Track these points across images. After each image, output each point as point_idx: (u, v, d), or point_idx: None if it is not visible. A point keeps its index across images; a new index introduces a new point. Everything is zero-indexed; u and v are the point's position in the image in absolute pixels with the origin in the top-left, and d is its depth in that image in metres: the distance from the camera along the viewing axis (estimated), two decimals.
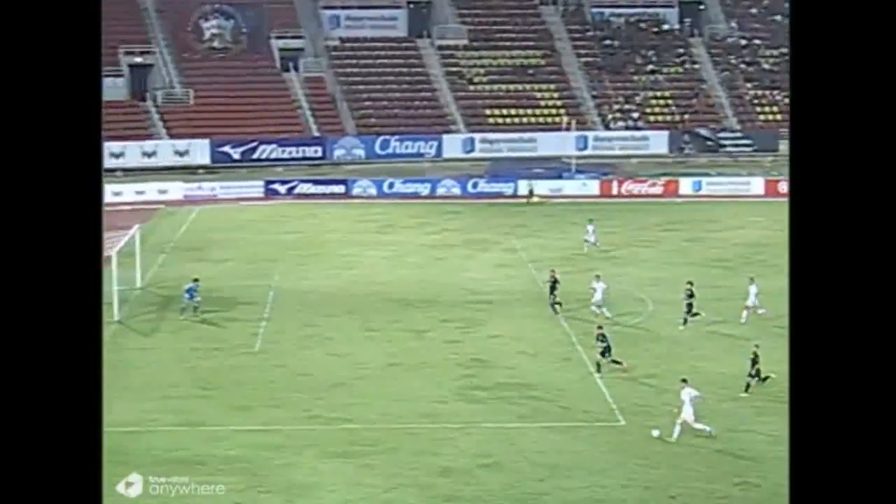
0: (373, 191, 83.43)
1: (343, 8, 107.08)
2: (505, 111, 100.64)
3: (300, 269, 60.98)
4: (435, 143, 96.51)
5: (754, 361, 41.40)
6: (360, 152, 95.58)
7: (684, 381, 38.47)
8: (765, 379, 41.12)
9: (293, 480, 34.20)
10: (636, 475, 34.74)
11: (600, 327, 45.11)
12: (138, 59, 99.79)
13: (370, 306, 53.60)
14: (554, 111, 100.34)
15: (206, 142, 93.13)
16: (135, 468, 34.58)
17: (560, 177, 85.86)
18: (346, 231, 71.45)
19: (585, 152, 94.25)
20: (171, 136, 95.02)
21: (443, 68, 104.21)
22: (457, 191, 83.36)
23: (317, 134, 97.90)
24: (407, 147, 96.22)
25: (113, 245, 53.58)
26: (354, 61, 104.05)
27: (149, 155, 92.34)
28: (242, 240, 68.59)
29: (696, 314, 50.03)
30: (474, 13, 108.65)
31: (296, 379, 43.52)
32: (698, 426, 37.25)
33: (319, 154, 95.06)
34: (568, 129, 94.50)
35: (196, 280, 52.80)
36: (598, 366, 43.58)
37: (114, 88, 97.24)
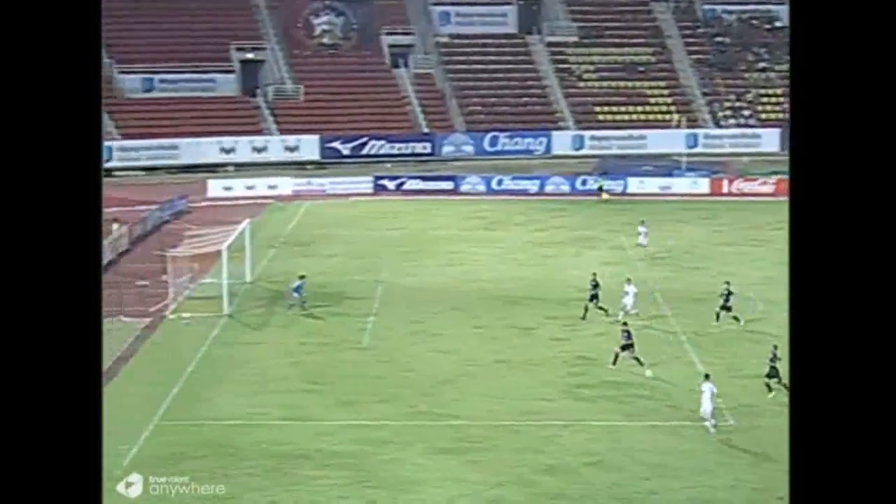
0: (481, 187, 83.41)
1: (453, 4, 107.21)
2: (615, 108, 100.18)
3: (408, 266, 61.14)
4: (544, 140, 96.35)
5: (773, 360, 40.70)
6: (469, 149, 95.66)
7: (707, 376, 38.61)
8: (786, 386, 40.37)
9: (399, 476, 34.28)
10: (744, 476, 34.42)
11: (625, 323, 45.49)
12: (249, 55, 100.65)
13: (477, 303, 53.61)
14: (664, 108, 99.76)
15: (315, 137, 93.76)
16: (242, 461, 34.95)
17: (670, 174, 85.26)
18: (454, 228, 71.51)
19: (695, 150, 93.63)
20: (282, 132, 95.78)
21: (552, 65, 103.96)
22: (565, 188, 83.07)
23: (426, 130, 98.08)
24: (516, 144, 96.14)
25: (223, 239, 54.15)
26: (464, 58, 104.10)
27: (259, 150, 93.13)
28: (351, 235, 68.91)
29: (735, 317, 49.63)
30: (585, 10, 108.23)
31: (402, 375, 43.64)
32: (708, 423, 37.47)
33: (428, 150, 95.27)
34: (678, 127, 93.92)
35: (303, 277, 53.16)
36: (616, 357, 43.73)
37: (225, 84, 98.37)
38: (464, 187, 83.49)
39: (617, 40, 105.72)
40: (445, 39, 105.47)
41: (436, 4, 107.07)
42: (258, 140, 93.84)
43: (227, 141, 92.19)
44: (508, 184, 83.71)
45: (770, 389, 40.73)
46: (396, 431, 37.80)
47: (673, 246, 64.29)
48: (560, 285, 56.47)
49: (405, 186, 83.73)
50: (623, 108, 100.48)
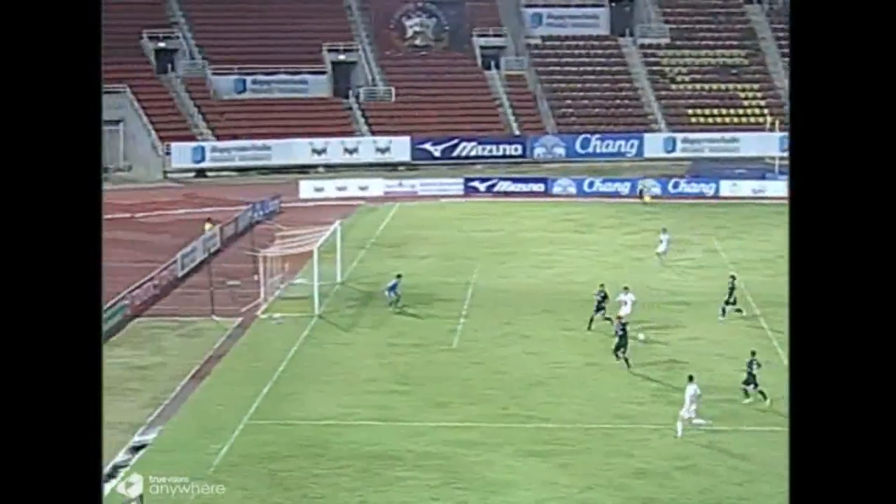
0: (572, 189, 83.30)
1: (545, 6, 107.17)
2: (707, 111, 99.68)
3: (498, 267, 61.20)
4: (636, 143, 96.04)
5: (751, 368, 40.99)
6: (561, 151, 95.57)
7: (690, 378, 38.60)
8: (762, 394, 40.47)
9: (488, 478, 34.35)
10: None
11: (620, 317, 46.23)
12: (341, 57, 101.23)
13: (568, 305, 53.55)
14: (757, 111, 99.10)
15: (406, 139, 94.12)
16: (332, 461, 35.18)
17: (763, 178, 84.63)
18: (545, 230, 71.47)
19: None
20: (373, 133, 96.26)
21: (645, 67, 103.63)
22: (657, 191, 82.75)
23: (517, 132, 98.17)
24: (607, 146, 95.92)
25: (314, 240, 54.53)
26: (556, 59, 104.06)
27: (350, 152, 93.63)
28: (441, 237, 69.11)
29: (738, 309, 51.05)
30: (677, 11, 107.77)
31: (493, 376, 43.70)
32: (696, 421, 37.61)
33: (519, 152, 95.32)
34: (772, 130, 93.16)
35: (399, 276, 53.48)
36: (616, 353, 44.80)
37: (316, 85, 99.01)
38: (555, 189, 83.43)
39: (709, 42, 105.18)
40: (537, 41, 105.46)
41: (528, 6, 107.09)
42: (349, 141, 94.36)
43: (319, 142, 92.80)
44: (600, 186, 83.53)
45: (747, 395, 40.90)
46: (486, 433, 37.88)
47: (765, 248, 63.87)
48: (651, 288, 56.24)
49: (496, 188, 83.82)
50: (715, 111, 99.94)
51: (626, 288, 50.68)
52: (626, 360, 44.16)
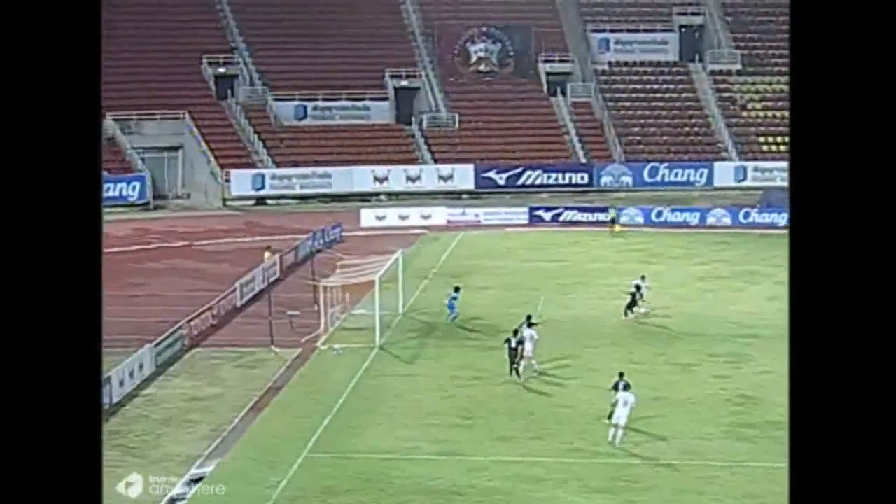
0: (640, 219, 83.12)
1: (613, 31, 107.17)
2: (779, 138, 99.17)
3: (563, 298, 61.10)
4: (705, 171, 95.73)
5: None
6: (628, 179, 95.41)
7: (621, 382, 40.86)
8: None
9: None
10: None
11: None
12: (404, 83, 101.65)
13: (634, 338, 53.37)
14: None
15: (470, 167, 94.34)
16: (393, 496, 35.16)
17: None
18: (612, 260, 71.33)
19: None
20: (436, 161, 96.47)
21: (715, 94, 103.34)
22: (727, 220, 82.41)
23: (584, 160, 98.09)
24: (676, 175, 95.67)
25: (375, 270, 54.65)
26: (623, 86, 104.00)
27: (413, 179, 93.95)
28: (505, 267, 69.11)
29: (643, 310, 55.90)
30: (748, 37, 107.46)
31: (558, 410, 43.58)
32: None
33: (586, 181, 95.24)
34: None
35: (457, 289, 54.22)
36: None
37: (379, 112, 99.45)
38: (622, 218, 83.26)
39: (781, 68, 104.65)
40: (604, 67, 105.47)
41: (595, 31, 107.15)
42: (412, 169, 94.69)
43: (381, 169, 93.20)
44: (668, 216, 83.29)
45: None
46: (551, 468, 37.76)
47: None
48: (722, 321, 55.99)
49: (562, 217, 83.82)
50: (787, 139, 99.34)
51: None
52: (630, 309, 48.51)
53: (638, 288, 56.40)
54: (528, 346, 47.54)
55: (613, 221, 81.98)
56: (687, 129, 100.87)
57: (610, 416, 39.95)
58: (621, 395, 40.03)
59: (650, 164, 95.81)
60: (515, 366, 46.80)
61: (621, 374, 41.41)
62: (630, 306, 55.98)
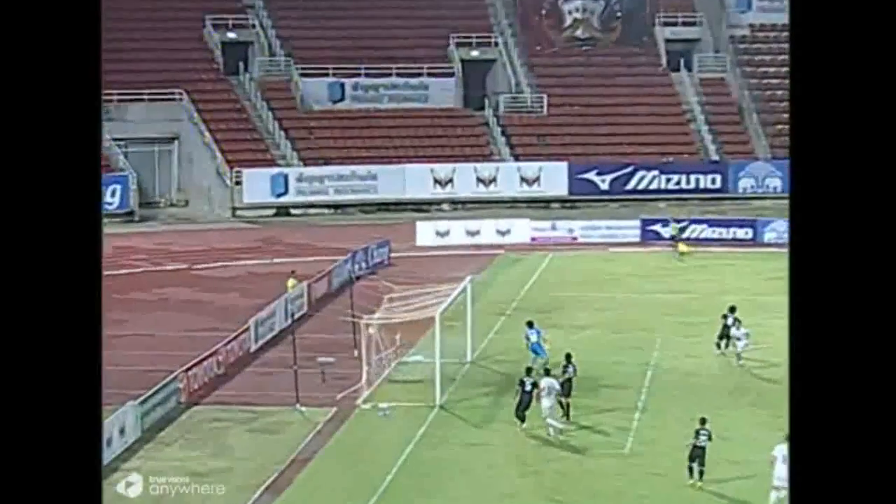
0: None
1: None
2: None
3: (687, 343, 61.01)
4: None
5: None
6: (776, 183, 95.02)
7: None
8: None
9: None
10: None
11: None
12: (475, 53, 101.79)
13: (781, 395, 53.06)
14: None
15: (563, 165, 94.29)
16: None
17: None
18: (752, 291, 71.10)
19: None
20: (517, 158, 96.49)
21: None
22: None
23: (715, 157, 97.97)
24: None
25: (436, 303, 54.71)
26: (770, 57, 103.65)
27: (486, 182, 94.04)
28: (610, 300, 69.16)
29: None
30: None
31: (678, 492, 43.55)
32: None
33: (718, 185, 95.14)
34: None
35: (531, 324, 54.90)
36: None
37: (441, 92, 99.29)
38: (767, 235, 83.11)
39: None
40: (745, 32, 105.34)
41: None
42: (485, 168, 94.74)
43: (443, 169, 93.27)
44: None
45: (691, 474, 42.63)
46: None
47: None
48: None
49: (685, 234, 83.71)
50: None
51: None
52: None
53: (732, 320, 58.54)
54: (544, 403, 47.80)
55: (674, 238, 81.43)
56: None
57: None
58: (778, 449, 39.74)
59: None
60: (522, 412, 48.20)
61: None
62: (723, 338, 58.63)
